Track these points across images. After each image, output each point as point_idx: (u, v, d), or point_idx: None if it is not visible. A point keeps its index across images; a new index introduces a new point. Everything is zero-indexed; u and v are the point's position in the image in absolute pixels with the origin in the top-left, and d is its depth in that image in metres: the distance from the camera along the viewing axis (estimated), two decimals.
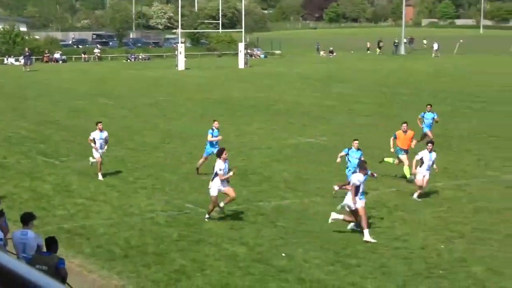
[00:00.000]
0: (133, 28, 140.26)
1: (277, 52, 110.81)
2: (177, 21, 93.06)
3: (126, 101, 52.18)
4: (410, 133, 28.43)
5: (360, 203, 20.82)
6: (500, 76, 72.33)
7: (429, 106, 34.61)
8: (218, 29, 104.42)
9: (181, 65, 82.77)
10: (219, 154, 22.67)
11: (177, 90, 60.06)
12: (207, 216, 22.46)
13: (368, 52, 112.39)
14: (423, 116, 34.11)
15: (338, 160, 25.59)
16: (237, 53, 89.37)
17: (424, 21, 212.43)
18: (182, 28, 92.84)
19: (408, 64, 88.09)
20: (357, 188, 20.86)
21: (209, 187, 22.36)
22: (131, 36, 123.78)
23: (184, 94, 57.16)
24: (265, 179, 28.12)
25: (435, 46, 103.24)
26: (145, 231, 21.35)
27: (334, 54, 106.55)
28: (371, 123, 42.50)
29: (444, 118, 44.56)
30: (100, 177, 27.69)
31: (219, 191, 22.22)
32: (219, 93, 58.11)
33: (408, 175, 27.39)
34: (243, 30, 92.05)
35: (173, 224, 22.08)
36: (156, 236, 20.80)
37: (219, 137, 28.76)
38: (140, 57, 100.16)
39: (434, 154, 25.47)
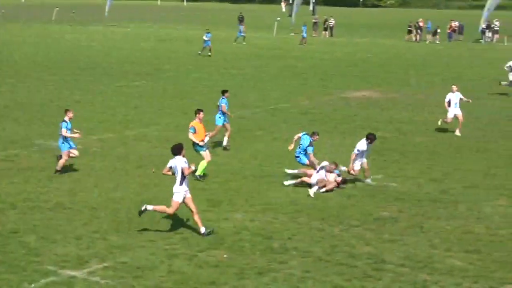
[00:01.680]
0: None
1: None
2: None
3: None
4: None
5: None
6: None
7: (226, 93, 30.11)
8: None
9: None
10: (178, 151, 18.71)
11: None
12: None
13: None
14: (226, 104, 29.63)
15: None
16: None
17: None
18: None
19: None
20: None
21: (177, 191, 18.73)
22: None
23: None
24: None
25: None
26: None
27: None
28: None
29: (16, 89, 44.08)
30: None
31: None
32: None
33: (200, 172, 24.18)
34: None
35: None
36: None
37: (77, 134, 24.48)
38: None
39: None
